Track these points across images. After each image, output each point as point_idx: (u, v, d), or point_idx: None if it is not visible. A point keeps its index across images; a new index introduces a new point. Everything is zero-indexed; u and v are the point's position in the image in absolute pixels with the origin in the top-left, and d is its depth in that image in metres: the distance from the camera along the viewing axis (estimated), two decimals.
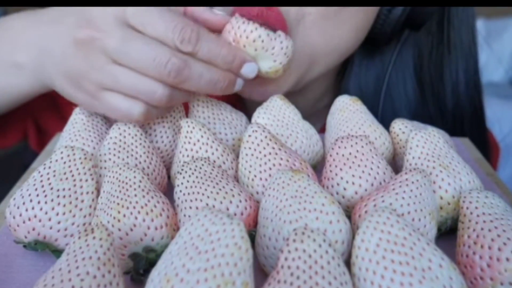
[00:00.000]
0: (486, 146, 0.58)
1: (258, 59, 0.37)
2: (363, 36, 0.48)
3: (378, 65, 0.54)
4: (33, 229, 0.29)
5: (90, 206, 0.30)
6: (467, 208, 0.29)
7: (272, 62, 0.36)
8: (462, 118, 0.55)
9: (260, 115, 0.39)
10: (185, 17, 0.36)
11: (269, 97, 0.40)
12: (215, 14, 0.37)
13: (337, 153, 0.33)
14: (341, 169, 0.32)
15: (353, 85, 0.54)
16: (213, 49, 0.34)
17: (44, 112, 0.56)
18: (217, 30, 0.37)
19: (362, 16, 0.45)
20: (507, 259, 0.25)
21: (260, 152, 0.33)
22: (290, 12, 0.41)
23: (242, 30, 0.35)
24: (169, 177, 0.38)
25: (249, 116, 0.41)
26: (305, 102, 0.55)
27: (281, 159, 0.32)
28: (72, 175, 0.30)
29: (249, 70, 0.36)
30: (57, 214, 0.29)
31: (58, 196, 0.29)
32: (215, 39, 0.34)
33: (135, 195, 0.28)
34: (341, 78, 0.55)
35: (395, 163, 0.40)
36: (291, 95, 0.50)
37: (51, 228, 0.29)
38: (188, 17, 0.36)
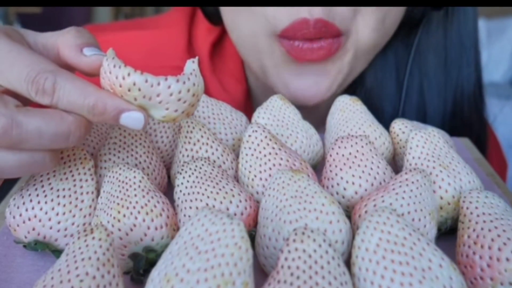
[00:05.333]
0: (486, 146, 0.58)
1: (146, 107, 0.28)
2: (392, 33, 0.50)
3: (394, 53, 0.54)
4: (33, 229, 0.29)
5: (90, 206, 0.30)
6: (467, 208, 0.29)
7: (164, 110, 0.28)
8: (463, 118, 0.55)
9: (260, 115, 0.39)
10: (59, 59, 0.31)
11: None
12: (85, 56, 0.30)
13: (337, 153, 0.33)
14: (341, 169, 0.32)
15: (369, 76, 0.54)
16: (75, 100, 0.27)
17: None
18: (95, 75, 0.31)
19: (398, 14, 0.48)
20: (507, 259, 0.25)
21: (260, 152, 0.33)
22: (342, 10, 0.43)
23: (114, 77, 0.27)
24: (169, 177, 0.38)
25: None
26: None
27: (281, 159, 0.32)
28: (72, 175, 0.30)
29: (131, 121, 0.28)
30: (57, 214, 0.29)
31: (58, 196, 0.29)
32: (79, 87, 0.27)
33: (135, 195, 0.28)
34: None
35: (395, 163, 0.40)
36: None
37: (51, 228, 0.29)
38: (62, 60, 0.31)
